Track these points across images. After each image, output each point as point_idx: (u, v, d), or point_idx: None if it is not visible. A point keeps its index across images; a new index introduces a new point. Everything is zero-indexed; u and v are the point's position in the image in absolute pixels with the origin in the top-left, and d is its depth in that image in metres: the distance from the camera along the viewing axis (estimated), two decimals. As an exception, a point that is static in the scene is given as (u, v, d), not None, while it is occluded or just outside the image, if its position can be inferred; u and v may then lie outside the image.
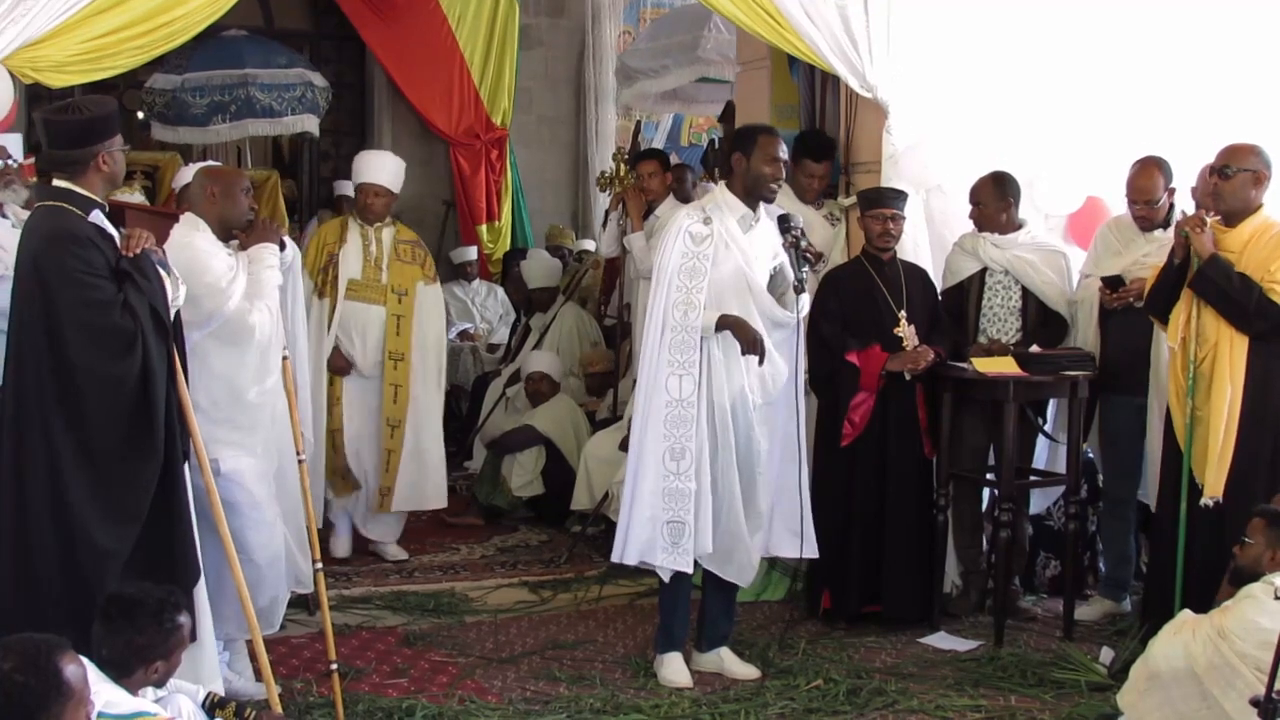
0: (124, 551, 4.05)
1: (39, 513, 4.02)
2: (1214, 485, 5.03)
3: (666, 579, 5.13)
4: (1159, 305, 5.28)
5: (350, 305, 6.52)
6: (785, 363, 5.12)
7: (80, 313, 4.00)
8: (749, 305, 5.04)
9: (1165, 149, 5.81)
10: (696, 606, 5.35)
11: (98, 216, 4.11)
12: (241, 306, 4.71)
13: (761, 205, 5.15)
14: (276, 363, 4.85)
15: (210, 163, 8.33)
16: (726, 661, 5.27)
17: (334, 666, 4.74)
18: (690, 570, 5.05)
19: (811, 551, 5.30)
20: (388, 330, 6.55)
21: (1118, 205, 6.16)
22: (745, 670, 5.25)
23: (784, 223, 5.15)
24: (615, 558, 5.11)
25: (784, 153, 5.16)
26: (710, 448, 5.01)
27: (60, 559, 4.02)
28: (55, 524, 4.01)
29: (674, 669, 5.18)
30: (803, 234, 5.18)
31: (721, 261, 5.00)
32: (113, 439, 4.04)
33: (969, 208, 6.09)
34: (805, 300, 5.13)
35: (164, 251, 4.28)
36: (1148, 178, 5.73)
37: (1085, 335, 5.90)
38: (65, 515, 4.01)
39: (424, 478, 6.68)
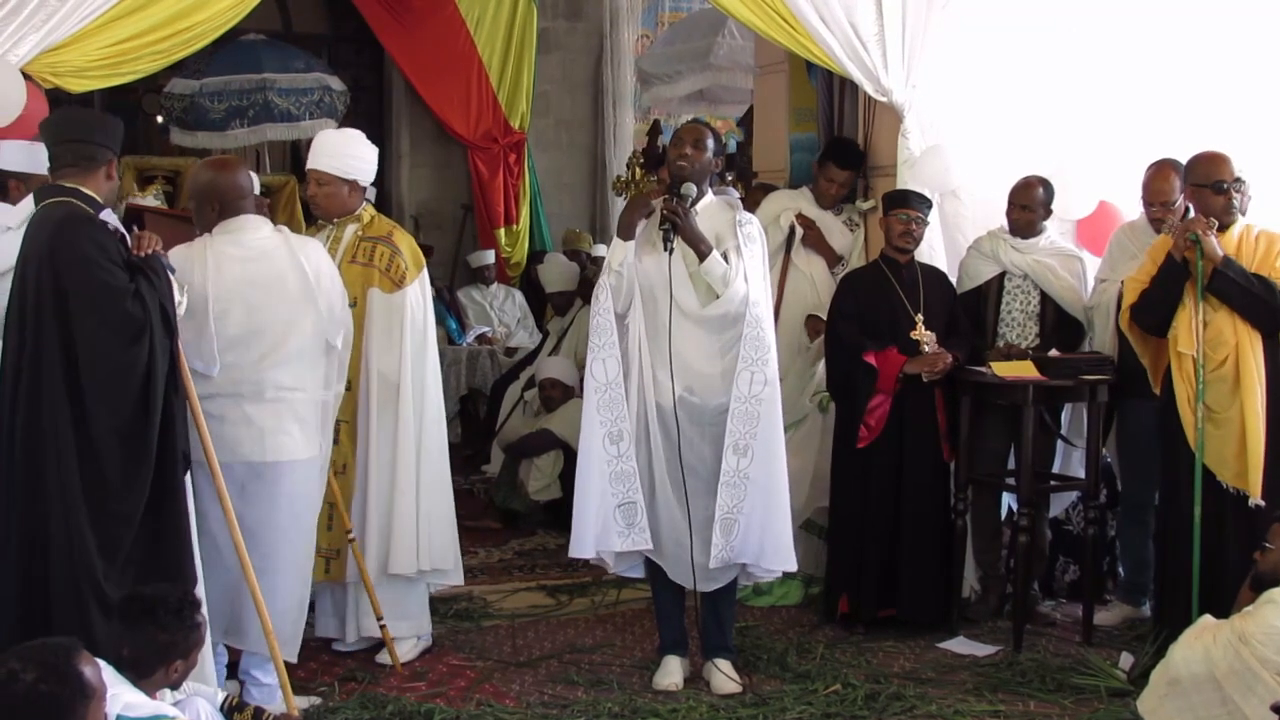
0: (116, 551, 3.96)
1: (49, 508, 3.94)
2: (1254, 487, 5.02)
3: (617, 572, 5.17)
4: (1159, 311, 5.21)
5: None
6: (716, 357, 4.95)
7: (93, 297, 3.95)
8: (666, 295, 4.93)
9: (1178, 153, 5.77)
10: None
11: (108, 215, 4.09)
12: None
13: (709, 196, 5.07)
14: (343, 365, 4.85)
15: (222, 157, 8.25)
16: (714, 673, 5.14)
17: (381, 622, 5.22)
18: (650, 546, 5.00)
19: (784, 564, 5.09)
20: None
21: (1130, 210, 6.15)
22: (723, 685, 5.08)
23: (673, 191, 4.99)
24: (573, 553, 5.05)
25: (689, 143, 4.99)
26: (639, 432, 4.97)
27: (57, 554, 3.94)
28: (64, 520, 3.93)
29: (660, 671, 5.17)
30: (678, 202, 4.91)
31: (645, 255, 4.99)
32: (112, 434, 3.96)
33: (983, 212, 6.08)
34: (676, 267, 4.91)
35: (167, 257, 4.24)
36: (1164, 180, 5.72)
37: (1103, 340, 5.87)
38: (70, 511, 3.93)
39: (396, 538, 5.24)
